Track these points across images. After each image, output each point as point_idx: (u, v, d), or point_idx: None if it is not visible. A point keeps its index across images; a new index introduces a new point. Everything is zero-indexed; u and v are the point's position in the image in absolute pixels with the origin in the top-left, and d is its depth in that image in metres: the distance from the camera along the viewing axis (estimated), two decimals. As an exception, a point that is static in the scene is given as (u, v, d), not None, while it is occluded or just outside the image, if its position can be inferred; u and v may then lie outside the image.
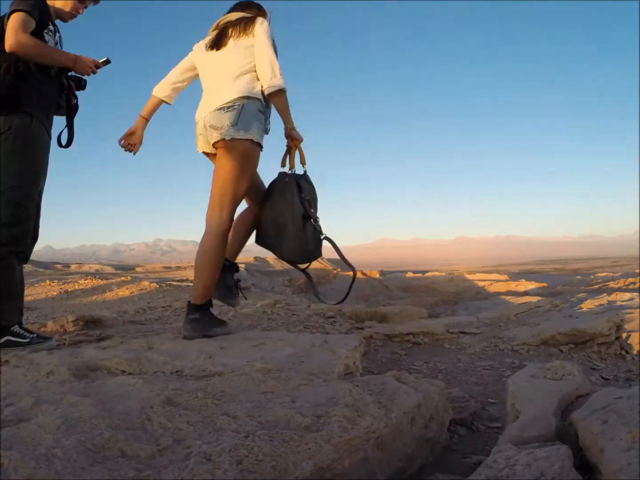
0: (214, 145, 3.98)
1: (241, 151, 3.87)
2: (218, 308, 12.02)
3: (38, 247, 4.26)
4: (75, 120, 4.21)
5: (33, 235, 3.94)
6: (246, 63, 3.95)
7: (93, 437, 1.61)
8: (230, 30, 4.03)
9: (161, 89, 4.32)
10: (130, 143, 4.26)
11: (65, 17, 4.09)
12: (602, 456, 1.62)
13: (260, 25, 3.95)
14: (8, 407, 2.02)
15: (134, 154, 4.38)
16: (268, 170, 4.32)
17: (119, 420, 1.82)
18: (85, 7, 4.17)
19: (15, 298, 3.83)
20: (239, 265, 4.74)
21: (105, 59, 4.11)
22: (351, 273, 4.17)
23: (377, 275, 44.86)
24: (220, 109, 3.88)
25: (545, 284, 39.98)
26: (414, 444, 2.21)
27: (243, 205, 4.27)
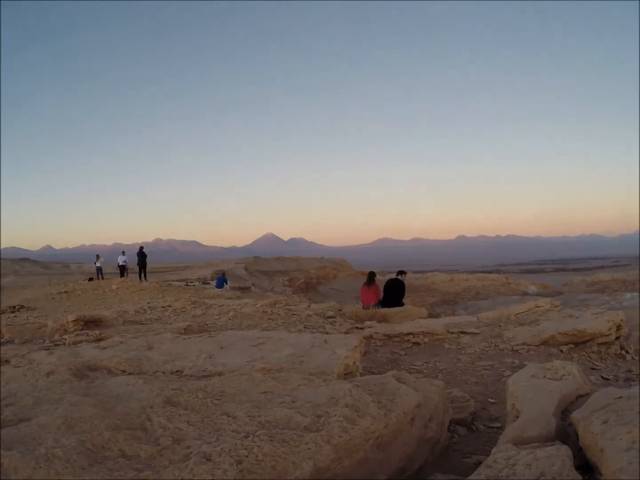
0: None
1: None
2: (218, 307, 12.02)
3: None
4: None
5: None
6: None
7: (93, 437, 1.61)
8: None
9: None
10: None
11: None
12: (602, 456, 1.62)
13: None
14: (8, 407, 2.02)
15: None
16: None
17: (119, 420, 1.82)
18: None
19: None
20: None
21: None
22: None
23: (377, 275, 44.86)
24: None
25: (545, 284, 39.92)
26: (414, 444, 2.22)
27: None
